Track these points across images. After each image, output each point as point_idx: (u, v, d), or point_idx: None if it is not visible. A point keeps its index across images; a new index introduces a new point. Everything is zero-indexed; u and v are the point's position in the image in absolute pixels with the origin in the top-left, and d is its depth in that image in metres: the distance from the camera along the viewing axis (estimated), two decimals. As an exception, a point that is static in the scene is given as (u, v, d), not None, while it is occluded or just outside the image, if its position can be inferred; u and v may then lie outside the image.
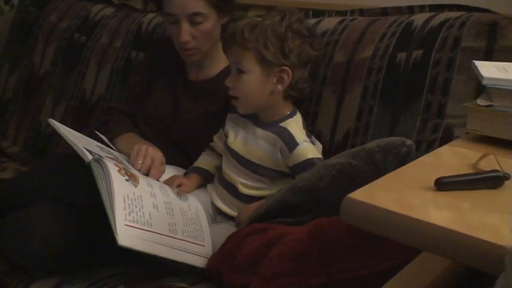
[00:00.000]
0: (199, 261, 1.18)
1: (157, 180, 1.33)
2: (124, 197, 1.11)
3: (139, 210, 1.12)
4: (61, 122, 1.98)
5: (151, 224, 1.12)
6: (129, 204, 1.10)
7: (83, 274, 1.21)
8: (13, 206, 1.30)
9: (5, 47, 2.36)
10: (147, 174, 1.32)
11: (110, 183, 1.10)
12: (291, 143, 1.27)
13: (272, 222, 1.14)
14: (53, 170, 1.33)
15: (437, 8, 1.41)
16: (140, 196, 1.15)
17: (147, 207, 1.14)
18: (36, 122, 2.10)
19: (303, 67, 1.28)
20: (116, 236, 1.05)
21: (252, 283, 1.00)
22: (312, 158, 1.26)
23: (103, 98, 1.91)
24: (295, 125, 1.30)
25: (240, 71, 1.28)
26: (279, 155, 1.28)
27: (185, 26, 1.40)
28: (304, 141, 1.28)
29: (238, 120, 1.38)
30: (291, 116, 1.32)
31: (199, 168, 1.44)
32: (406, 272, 0.83)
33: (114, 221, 1.06)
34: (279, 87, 1.27)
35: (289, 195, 1.14)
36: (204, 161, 1.46)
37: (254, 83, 1.27)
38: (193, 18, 1.40)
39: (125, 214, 1.08)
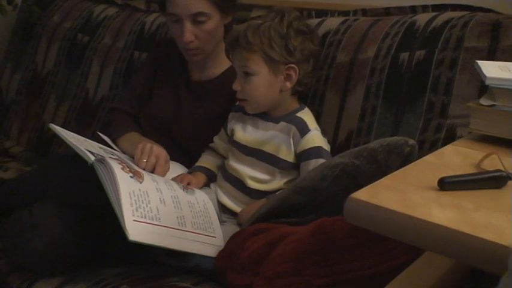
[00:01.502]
0: (211, 251, 1.18)
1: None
2: (130, 194, 1.11)
3: (147, 206, 1.12)
4: (64, 122, 2.00)
5: (159, 218, 1.12)
6: (135, 200, 1.11)
7: (86, 274, 1.21)
8: (16, 205, 1.30)
9: (8, 47, 2.37)
10: (152, 173, 1.32)
11: (114, 181, 1.11)
12: (303, 128, 1.30)
13: (275, 222, 1.14)
14: (55, 169, 1.33)
15: (440, 8, 1.41)
16: (146, 192, 1.15)
17: (154, 202, 1.15)
18: (39, 122, 2.10)
19: (307, 62, 1.32)
20: (126, 232, 1.05)
21: (255, 283, 1.00)
22: (320, 146, 1.28)
23: (106, 98, 1.92)
24: (307, 115, 1.34)
25: (248, 74, 1.29)
26: (291, 141, 1.30)
27: (188, 26, 1.40)
28: (316, 129, 1.31)
29: (243, 117, 1.39)
30: (301, 108, 1.36)
31: (204, 167, 1.45)
32: (409, 272, 0.83)
33: (123, 218, 1.06)
34: (287, 84, 1.31)
35: (292, 194, 1.15)
36: (207, 160, 1.47)
37: (263, 84, 1.29)
38: (196, 18, 1.40)
39: (132, 210, 1.08)
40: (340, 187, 1.10)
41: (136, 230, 1.06)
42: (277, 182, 1.32)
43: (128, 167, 1.19)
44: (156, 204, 1.15)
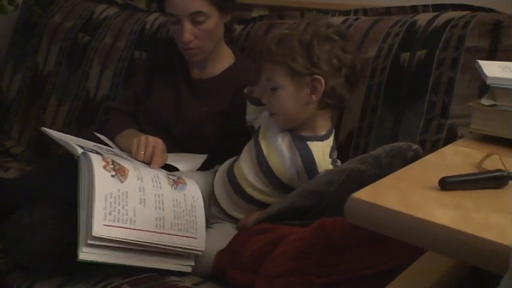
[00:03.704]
0: (184, 267, 1.17)
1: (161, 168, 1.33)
2: (106, 196, 1.09)
3: (123, 208, 1.10)
4: (65, 121, 2.01)
5: (134, 221, 1.10)
6: (110, 202, 1.08)
7: (86, 274, 1.21)
8: (17, 205, 1.30)
9: (9, 47, 2.37)
10: (150, 163, 1.31)
11: (92, 181, 1.09)
12: (312, 170, 1.23)
13: (279, 223, 1.14)
14: (56, 170, 1.33)
15: (441, 8, 1.41)
16: (126, 192, 1.12)
17: (132, 203, 1.12)
18: (40, 121, 2.10)
19: (337, 73, 1.22)
20: (79, 250, 1.06)
21: (256, 282, 1.00)
22: None
23: (107, 98, 1.92)
24: (320, 152, 1.25)
25: (274, 87, 1.24)
26: (296, 176, 1.25)
27: (187, 26, 1.40)
28: (326, 168, 1.23)
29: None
30: (322, 139, 1.27)
31: None
32: (410, 272, 0.83)
33: (86, 230, 1.06)
34: (313, 97, 1.22)
35: (299, 198, 1.14)
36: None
37: (288, 97, 1.23)
38: (195, 18, 1.40)
39: (105, 214, 1.07)
40: (346, 192, 1.08)
41: (91, 251, 1.06)
42: (274, 197, 1.28)
43: (113, 164, 1.15)
44: (134, 205, 1.12)
